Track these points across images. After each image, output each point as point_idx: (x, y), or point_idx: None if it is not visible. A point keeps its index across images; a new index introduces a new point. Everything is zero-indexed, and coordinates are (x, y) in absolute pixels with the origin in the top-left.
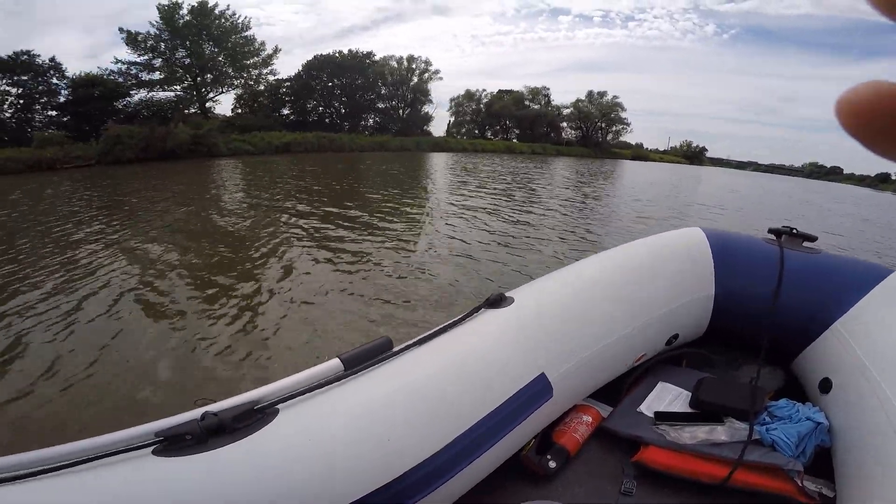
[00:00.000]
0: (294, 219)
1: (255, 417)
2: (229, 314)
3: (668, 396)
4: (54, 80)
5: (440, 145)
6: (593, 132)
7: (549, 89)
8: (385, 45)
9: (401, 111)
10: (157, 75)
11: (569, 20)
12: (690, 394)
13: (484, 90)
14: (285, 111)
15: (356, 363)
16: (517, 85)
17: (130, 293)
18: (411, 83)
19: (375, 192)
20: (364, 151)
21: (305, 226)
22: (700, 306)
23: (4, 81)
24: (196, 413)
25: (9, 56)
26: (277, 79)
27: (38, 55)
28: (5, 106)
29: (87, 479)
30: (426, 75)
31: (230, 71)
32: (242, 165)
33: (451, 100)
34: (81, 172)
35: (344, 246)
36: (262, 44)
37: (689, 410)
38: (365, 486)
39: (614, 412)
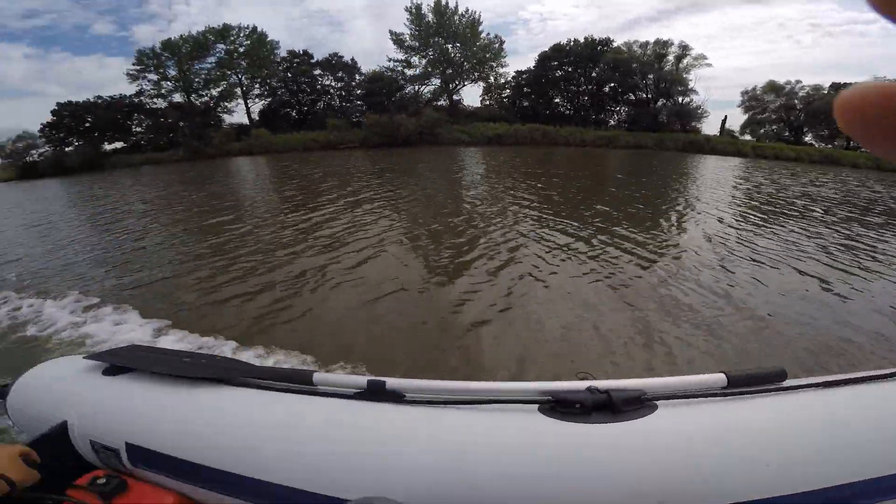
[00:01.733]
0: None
1: (639, 405)
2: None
3: None
4: (357, 76)
5: (697, 144)
6: None
7: None
8: (683, 35)
9: (651, 104)
10: (416, 71)
11: None
12: None
13: (798, 82)
14: (526, 103)
15: (743, 384)
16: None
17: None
18: (663, 70)
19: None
20: (585, 146)
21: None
22: None
23: (329, 77)
24: (580, 385)
25: (325, 58)
26: (518, 71)
27: (342, 56)
28: (333, 95)
29: (484, 418)
30: (684, 62)
31: (466, 65)
32: (435, 155)
33: (743, 93)
34: (343, 154)
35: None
36: (496, 37)
37: None
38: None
39: None
